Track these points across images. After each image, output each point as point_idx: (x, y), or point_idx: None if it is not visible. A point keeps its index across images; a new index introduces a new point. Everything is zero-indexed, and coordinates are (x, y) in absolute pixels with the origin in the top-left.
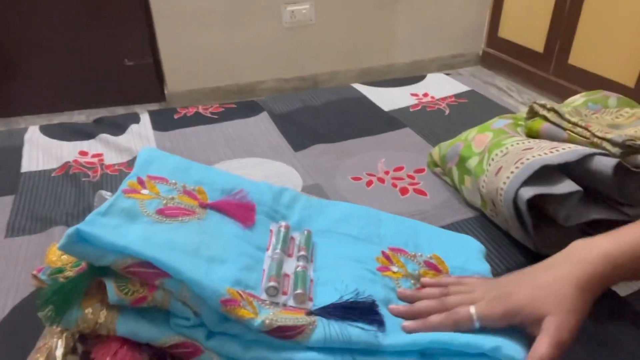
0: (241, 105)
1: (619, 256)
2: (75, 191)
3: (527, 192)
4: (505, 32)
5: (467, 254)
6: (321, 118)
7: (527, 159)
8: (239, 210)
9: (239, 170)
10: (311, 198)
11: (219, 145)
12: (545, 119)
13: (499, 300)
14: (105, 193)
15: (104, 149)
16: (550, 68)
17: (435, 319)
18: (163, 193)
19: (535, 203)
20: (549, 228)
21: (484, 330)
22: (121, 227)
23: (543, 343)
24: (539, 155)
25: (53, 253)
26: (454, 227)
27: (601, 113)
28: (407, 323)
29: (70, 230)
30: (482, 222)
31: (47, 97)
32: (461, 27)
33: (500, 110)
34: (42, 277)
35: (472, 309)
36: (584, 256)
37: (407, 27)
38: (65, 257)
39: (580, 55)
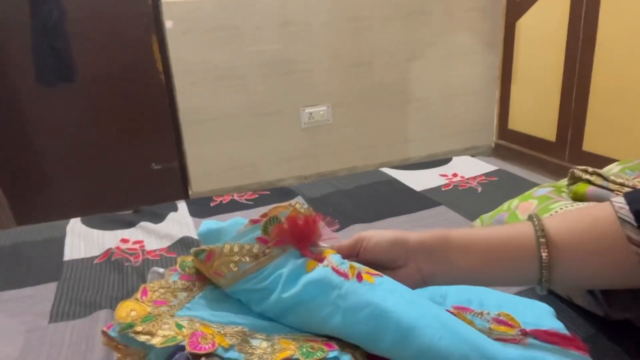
0: (275, 192)
1: (457, 236)
2: (118, 276)
3: None
4: (515, 124)
5: (536, 312)
6: (355, 200)
7: None
8: None
9: None
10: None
11: None
12: (589, 182)
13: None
14: (158, 269)
15: (145, 236)
16: (565, 155)
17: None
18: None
19: None
20: (617, 290)
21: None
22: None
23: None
24: None
25: (123, 309)
26: None
27: None
28: None
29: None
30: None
31: (78, 203)
32: (471, 121)
33: (531, 185)
34: (111, 333)
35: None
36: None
37: (420, 124)
38: (134, 312)
39: (594, 142)
